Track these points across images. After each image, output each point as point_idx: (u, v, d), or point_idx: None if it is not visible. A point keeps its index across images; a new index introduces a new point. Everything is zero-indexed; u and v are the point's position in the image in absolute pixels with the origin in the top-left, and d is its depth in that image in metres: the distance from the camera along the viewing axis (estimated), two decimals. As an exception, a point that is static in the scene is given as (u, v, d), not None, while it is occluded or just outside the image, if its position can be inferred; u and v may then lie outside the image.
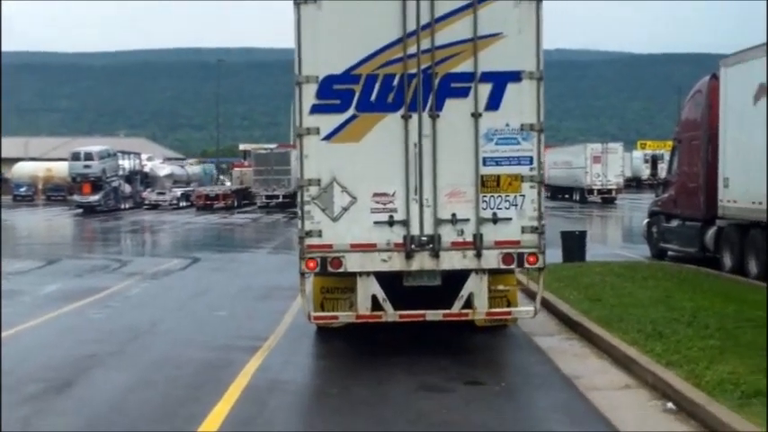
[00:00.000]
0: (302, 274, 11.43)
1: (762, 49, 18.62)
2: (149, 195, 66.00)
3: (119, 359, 12.37)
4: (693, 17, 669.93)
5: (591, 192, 62.52)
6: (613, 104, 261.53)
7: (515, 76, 11.11)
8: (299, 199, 11.35)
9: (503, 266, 11.37)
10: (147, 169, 71.47)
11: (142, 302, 17.96)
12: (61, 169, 69.62)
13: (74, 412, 9.70)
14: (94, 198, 58.79)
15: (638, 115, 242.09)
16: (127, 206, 63.13)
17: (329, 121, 11.15)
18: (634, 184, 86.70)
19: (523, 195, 11.17)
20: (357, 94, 11.12)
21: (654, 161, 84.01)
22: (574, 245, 22.30)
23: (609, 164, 62.25)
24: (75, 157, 60.88)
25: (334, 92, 11.12)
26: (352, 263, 11.22)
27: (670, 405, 9.26)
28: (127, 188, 64.55)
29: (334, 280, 12.15)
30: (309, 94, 11.12)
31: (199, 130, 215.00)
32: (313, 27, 11.10)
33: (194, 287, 20.17)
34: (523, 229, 11.18)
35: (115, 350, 12.89)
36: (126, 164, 65.78)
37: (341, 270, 11.27)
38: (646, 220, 26.53)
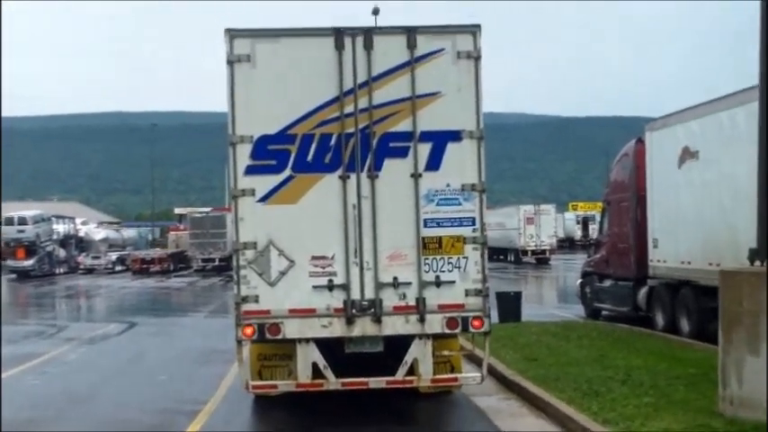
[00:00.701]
0: (239, 342, 10.98)
1: (685, 114, 19.32)
2: (84, 260, 65.50)
3: (59, 424, 12.27)
4: (618, 83, 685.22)
5: (525, 252, 63.30)
6: (544, 167, 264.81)
7: (455, 136, 10.93)
8: (234, 263, 10.95)
9: (447, 331, 11.03)
10: (81, 233, 70.80)
11: (80, 368, 17.86)
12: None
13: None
14: (28, 263, 58.16)
15: (568, 177, 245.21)
16: (61, 271, 62.43)
17: (265, 183, 10.84)
18: (567, 244, 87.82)
19: (466, 257, 10.91)
20: (293, 154, 10.84)
21: (585, 222, 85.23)
22: (509, 305, 22.60)
23: (542, 225, 63.20)
24: (9, 221, 60.19)
25: (269, 152, 10.83)
26: (291, 329, 10.82)
27: (606, 461, 9.49)
28: (61, 253, 63.90)
29: (272, 346, 11.61)
30: (244, 155, 10.83)
31: (133, 193, 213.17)
32: (247, 86, 10.86)
33: (132, 352, 20.08)
34: (467, 292, 10.91)
35: (55, 415, 12.82)
36: (60, 228, 65.20)
37: (279, 337, 10.85)
38: (579, 281, 27.02)
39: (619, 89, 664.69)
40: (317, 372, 10.94)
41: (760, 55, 11.01)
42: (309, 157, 10.87)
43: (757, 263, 10.67)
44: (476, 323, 10.99)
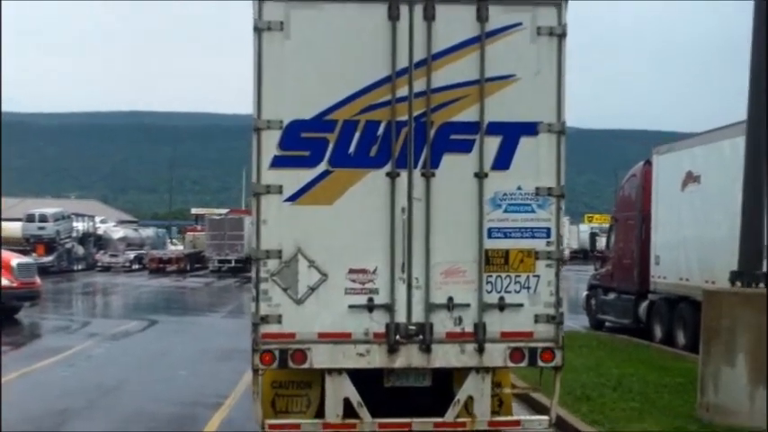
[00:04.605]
0: (255, 371, 8.99)
1: (690, 140, 20.44)
2: (102, 257, 66.64)
3: (91, 414, 13.17)
4: (637, 96, 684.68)
5: (537, 263, 63.85)
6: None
7: (530, 129, 8.96)
8: (253, 275, 8.95)
9: (510, 364, 9.07)
10: (100, 232, 72.05)
11: (107, 362, 18.81)
12: (13, 229, 69.81)
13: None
14: (48, 259, 59.17)
15: (586, 189, 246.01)
16: (80, 268, 63.51)
17: (295, 178, 8.83)
18: (581, 256, 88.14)
19: (538, 276, 8.94)
20: (331, 144, 8.84)
21: (592, 237, 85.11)
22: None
23: (555, 236, 63.89)
24: (30, 218, 61.42)
25: (302, 141, 8.83)
26: (320, 357, 8.81)
27: (592, 458, 10.43)
28: (80, 250, 65.02)
29: (289, 372, 9.35)
30: (271, 144, 8.82)
31: (149, 192, 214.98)
32: (278, 61, 8.83)
33: (155, 348, 21.07)
34: (537, 318, 8.95)
35: (86, 405, 13.73)
36: (80, 226, 66.39)
37: (305, 366, 8.85)
38: (585, 293, 28.14)
39: (640, 103, 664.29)
40: (349, 409, 8.99)
41: (749, 90, 11.98)
42: (351, 149, 8.91)
43: (738, 283, 11.68)
44: (546, 356, 9.05)
